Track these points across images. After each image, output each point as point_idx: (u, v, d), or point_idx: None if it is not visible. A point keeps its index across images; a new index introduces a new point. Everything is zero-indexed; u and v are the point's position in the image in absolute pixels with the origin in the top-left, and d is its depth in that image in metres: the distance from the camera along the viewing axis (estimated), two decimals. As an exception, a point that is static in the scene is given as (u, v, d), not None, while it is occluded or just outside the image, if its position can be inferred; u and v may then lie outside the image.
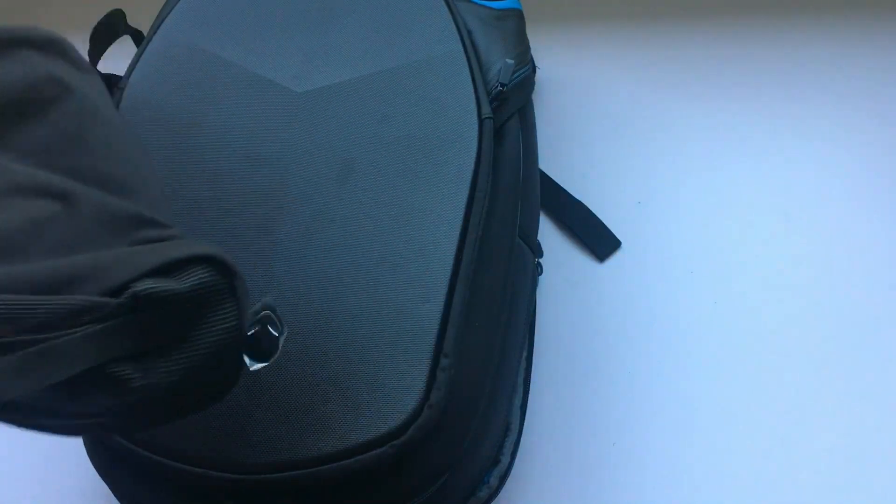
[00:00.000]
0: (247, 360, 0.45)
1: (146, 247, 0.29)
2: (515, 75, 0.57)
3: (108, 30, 0.69)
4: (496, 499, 0.53)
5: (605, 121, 0.74)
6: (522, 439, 0.55)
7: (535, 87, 0.68)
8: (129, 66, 0.58)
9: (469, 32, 0.58)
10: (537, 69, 0.69)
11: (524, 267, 0.56)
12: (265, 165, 0.50)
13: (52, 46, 0.36)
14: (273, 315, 0.46)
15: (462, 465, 0.47)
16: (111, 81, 0.71)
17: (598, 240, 0.67)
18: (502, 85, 0.55)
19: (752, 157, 0.71)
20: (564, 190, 0.69)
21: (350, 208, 0.48)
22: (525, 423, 0.56)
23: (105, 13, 0.69)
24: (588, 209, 0.68)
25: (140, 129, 0.53)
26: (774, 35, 0.79)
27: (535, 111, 0.66)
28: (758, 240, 0.67)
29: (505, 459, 0.53)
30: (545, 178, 0.69)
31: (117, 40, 0.70)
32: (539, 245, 0.62)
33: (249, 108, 0.53)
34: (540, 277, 0.63)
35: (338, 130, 0.51)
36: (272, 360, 0.45)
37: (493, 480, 0.52)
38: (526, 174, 0.57)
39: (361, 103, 0.52)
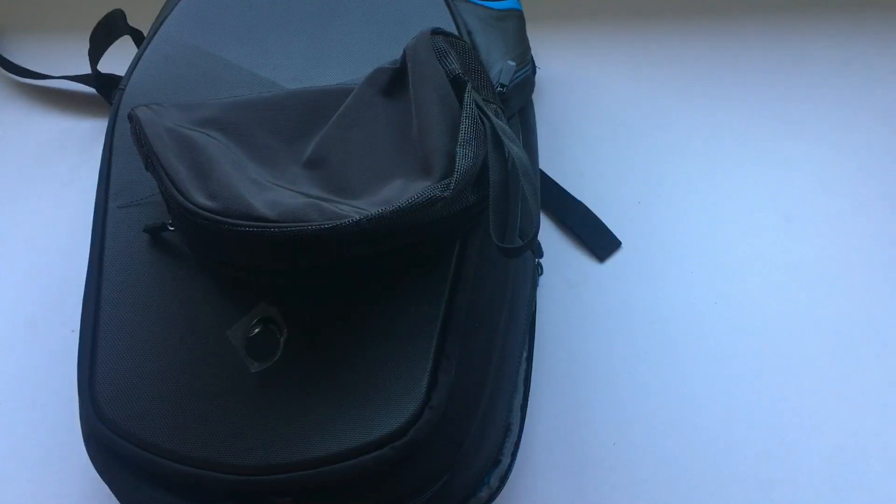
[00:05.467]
0: (247, 361, 0.45)
1: None
2: (516, 76, 0.57)
3: (108, 30, 0.69)
4: (496, 499, 0.53)
5: (605, 121, 0.74)
6: (522, 440, 0.55)
7: (535, 87, 0.68)
8: (130, 66, 0.58)
9: (469, 33, 0.58)
10: (537, 69, 0.69)
11: (524, 267, 0.56)
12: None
13: None
14: (274, 316, 0.46)
15: (462, 466, 0.47)
16: (111, 81, 0.71)
17: (598, 240, 0.67)
18: (503, 86, 0.55)
19: (752, 156, 0.71)
20: (564, 190, 0.69)
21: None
22: (525, 424, 0.56)
23: (105, 13, 0.69)
24: (588, 209, 0.68)
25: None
26: (774, 35, 0.79)
27: (535, 111, 0.66)
28: (758, 240, 0.67)
29: (505, 460, 0.53)
30: (545, 178, 0.69)
31: (117, 40, 0.70)
32: (539, 245, 0.62)
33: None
34: (540, 278, 0.63)
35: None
36: (273, 361, 0.45)
37: (494, 481, 0.52)
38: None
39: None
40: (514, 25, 0.63)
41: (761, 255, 0.66)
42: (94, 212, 0.52)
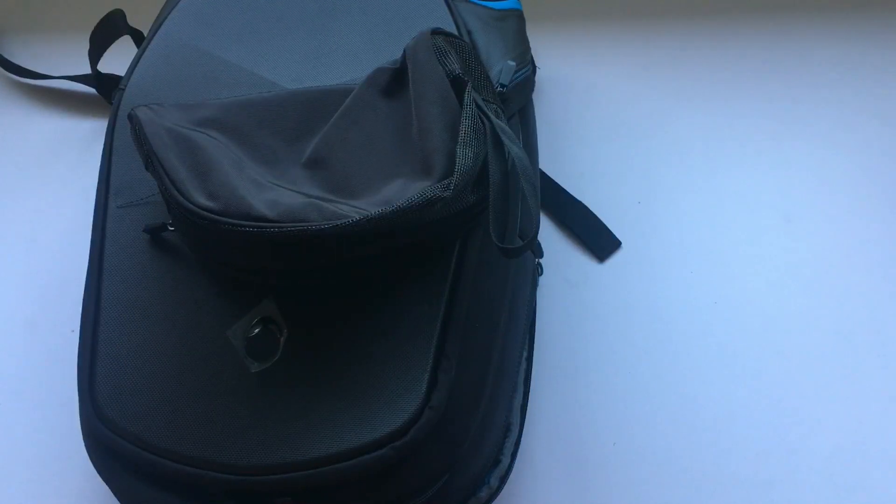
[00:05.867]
0: (247, 361, 0.45)
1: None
2: (516, 76, 0.57)
3: (108, 30, 0.69)
4: (496, 499, 0.53)
5: (605, 121, 0.74)
6: (522, 439, 0.55)
7: (535, 87, 0.68)
8: (130, 66, 0.58)
9: (469, 33, 0.58)
10: (537, 69, 0.69)
11: (524, 267, 0.56)
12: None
13: None
14: (274, 316, 0.46)
15: (462, 466, 0.47)
16: (111, 81, 0.71)
17: (598, 240, 0.67)
18: (503, 86, 0.55)
19: (752, 157, 0.71)
20: (564, 190, 0.69)
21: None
22: (525, 423, 0.56)
23: (105, 13, 0.69)
24: (588, 209, 0.68)
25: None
26: (774, 36, 0.79)
27: (535, 111, 0.66)
28: (758, 240, 0.67)
29: (505, 460, 0.53)
30: (545, 178, 0.69)
31: (117, 40, 0.70)
32: (539, 245, 0.62)
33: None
34: (540, 278, 0.63)
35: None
36: (273, 361, 0.45)
37: (494, 481, 0.52)
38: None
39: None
40: (514, 25, 0.63)
41: (761, 255, 0.66)
42: (94, 212, 0.52)
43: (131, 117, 0.48)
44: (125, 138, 0.52)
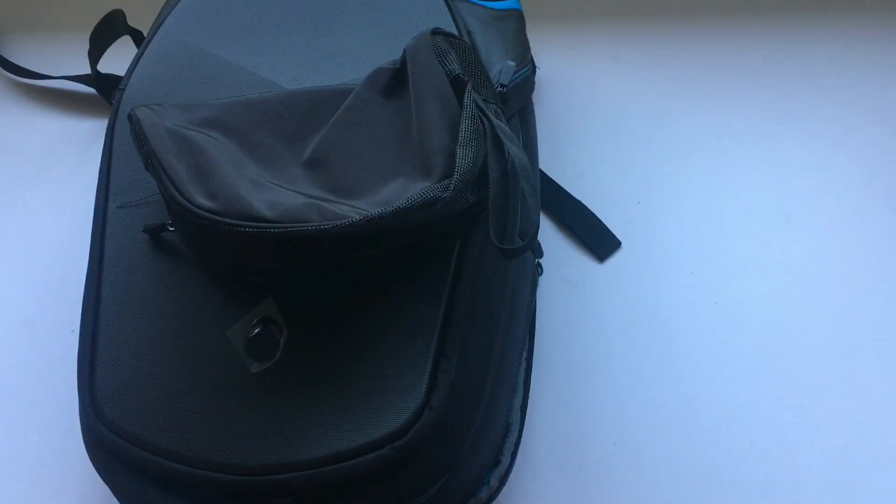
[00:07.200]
0: (247, 361, 0.45)
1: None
2: (516, 76, 0.57)
3: (108, 30, 0.69)
4: (496, 499, 0.53)
5: (605, 121, 0.74)
6: (522, 440, 0.55)
7: (535, 87, 0.68)
8: (130, 66, 0.58)
9: (469, 33, 0.58)
10: (537, 69, 0.69)
11: (524, 267, 0.56)
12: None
13: None
14: (274, 316, 0.46)
15: (462, 466, 0.47)
16: (111, 81, 0.71)
17: (598, 240, 0.67)
18: (503, 86, 0.55)
19: (752, 157, 0.71)
20: (564, 190, 0.69)
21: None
22: (525, 424, 0.56)
23: (105, 13, 0.69)
24: (588, 209, 0.68)
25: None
26: (774, 35, 0.79)
27: (535, 111, 0.66)
28: (757, 240, 0.67)
29: (505, 460, 0.53)
30: (545, 178, 0.69)
31: (117, 40, 0.70)
32: (539, 245, 0.62)
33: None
34: (540, 278, 0.63)
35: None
36: (273, 361, 0.45)
37: (493, 481, 0.52)
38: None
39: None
40: (513, 25, 0.63)
41: (761, 255, 0.66)
42: (94, 212, 0.52)
43: (131, 117, 0.48)
44: (125, 138, 0.52)
